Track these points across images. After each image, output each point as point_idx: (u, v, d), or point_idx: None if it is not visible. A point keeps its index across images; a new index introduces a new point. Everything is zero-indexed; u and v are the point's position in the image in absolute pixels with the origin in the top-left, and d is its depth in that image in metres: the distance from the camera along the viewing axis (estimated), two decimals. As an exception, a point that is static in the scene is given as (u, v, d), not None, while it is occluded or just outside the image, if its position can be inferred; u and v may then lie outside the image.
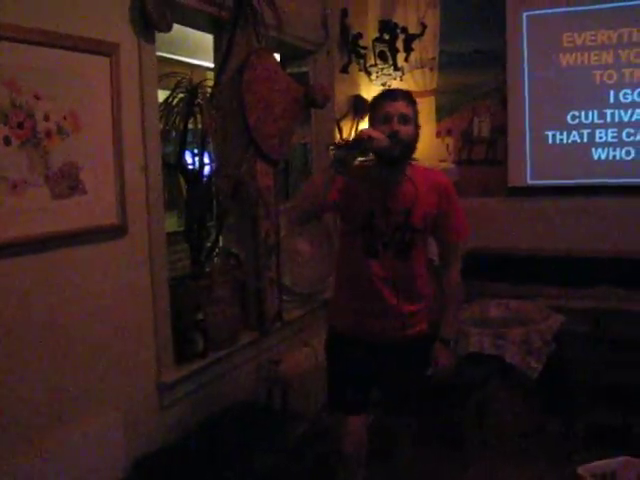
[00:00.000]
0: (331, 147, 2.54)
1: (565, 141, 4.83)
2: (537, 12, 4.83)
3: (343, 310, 2.81)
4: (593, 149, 4.77)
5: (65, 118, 2.43)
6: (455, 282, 2.82)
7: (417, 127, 2.60)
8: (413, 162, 2.68)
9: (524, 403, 3.99)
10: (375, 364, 2.73)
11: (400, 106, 2.53)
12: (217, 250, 3.65)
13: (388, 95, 2.61)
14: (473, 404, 3.97)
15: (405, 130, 2.51)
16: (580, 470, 2.72)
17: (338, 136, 4.55)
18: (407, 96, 2.61)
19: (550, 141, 4.88)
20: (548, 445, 3.80)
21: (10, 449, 2.29)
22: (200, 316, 3.20)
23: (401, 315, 2.68)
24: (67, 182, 2.46)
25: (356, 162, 2.51)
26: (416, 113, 2.60)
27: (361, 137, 2.40)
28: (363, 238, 2.64)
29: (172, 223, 4.25)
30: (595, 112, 4.74)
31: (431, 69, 5.08)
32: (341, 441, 2.80)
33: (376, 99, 2.64)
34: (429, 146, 4.98)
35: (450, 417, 3.94)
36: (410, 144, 2.56)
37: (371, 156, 2.58)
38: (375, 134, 2.42)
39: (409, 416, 2.87)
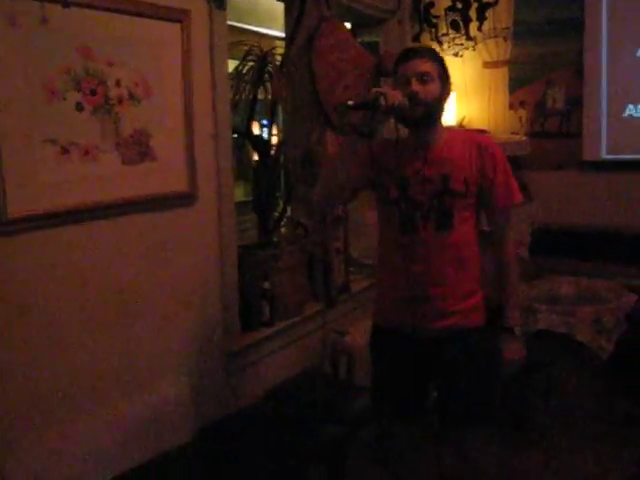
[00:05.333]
0: (340, 107, 2.14)
1: (644, 114, 4.63)
2: (618, -21, 4.62)
3: (385, 301, 2.50)
4: (675, 123, 4.56)
5: (137, 85, 2.45)
6: (511, 256, 2.46)
7: (445, 84, 2.34)
8: (456, 127, 2.45)
9: (593, 384, 3.89)
10: (424, 363, 2.43)
11: (416, 65, 2.26)
12: (285, 220, 3.65)
13: (402, 56, 2.34)
14: (540, 383, 3.89)
15: (426, 90, 2.25)
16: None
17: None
18: (425, 53, 2.35)
19: (628, 114, 4.68)
20: (615, 428, 3.69)
21: (83, 411, 2.36)
22: (267, 285, 3.21)
23: (448, 299, 2.36)
24: (137, 149, 2.49)
25: (379, 128, 2.26)
26: (441, 69, 2.33)
27: (371, 95, 2.14)
28: (399, 212, 2.36)
29: (240, 193, 4.27)
30: (679, 84, 4.52)
31: (505, 39, 4.91)
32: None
33: (395, 64, 2.38)
34: (502, 118, 4.85)
35: (515, 396, 3.86)
36: (434, 104, 2.30)
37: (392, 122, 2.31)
38: (387, 90, 2.17)
39: (486, 425, 2.52)
